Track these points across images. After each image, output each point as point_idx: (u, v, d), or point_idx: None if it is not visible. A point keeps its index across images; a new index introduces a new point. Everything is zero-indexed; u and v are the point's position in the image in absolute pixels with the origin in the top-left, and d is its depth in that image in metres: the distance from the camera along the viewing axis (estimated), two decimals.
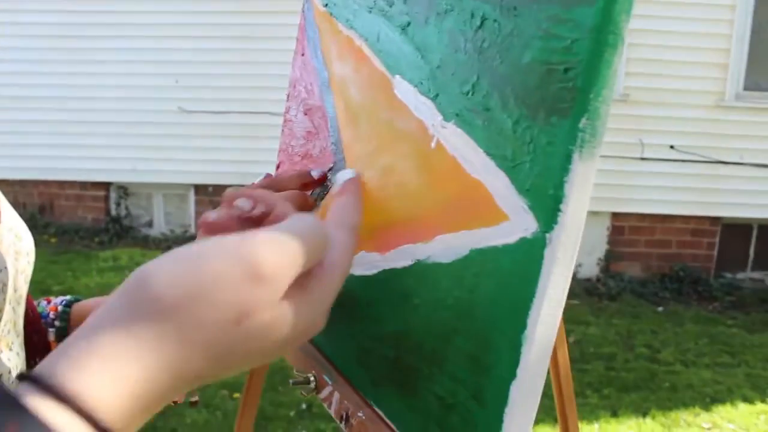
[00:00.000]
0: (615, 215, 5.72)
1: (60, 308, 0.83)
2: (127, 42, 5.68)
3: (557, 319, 0.44)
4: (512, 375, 0.44)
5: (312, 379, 0.66)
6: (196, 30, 5.63)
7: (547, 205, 0.42)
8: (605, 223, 5.75)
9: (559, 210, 0.42)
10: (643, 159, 5.50)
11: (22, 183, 6.10)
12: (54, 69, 5.76)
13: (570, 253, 0.43)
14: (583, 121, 0.41)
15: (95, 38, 5.71)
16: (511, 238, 0.45)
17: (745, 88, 5.46)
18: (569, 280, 0.43)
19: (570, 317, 4.78)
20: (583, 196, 0.42)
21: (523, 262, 0.44)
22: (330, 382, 0.63)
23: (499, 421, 0.45)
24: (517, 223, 0.45)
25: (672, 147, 5.46)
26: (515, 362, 0.44)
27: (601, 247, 5.77)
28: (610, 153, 5.44)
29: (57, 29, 5.72)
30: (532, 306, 0.43)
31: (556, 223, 0.42)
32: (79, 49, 5.73)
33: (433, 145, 0.53)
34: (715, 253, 5.78)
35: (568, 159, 0.41)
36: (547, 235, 0.42)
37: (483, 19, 0.49)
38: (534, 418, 0.46)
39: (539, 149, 0.43)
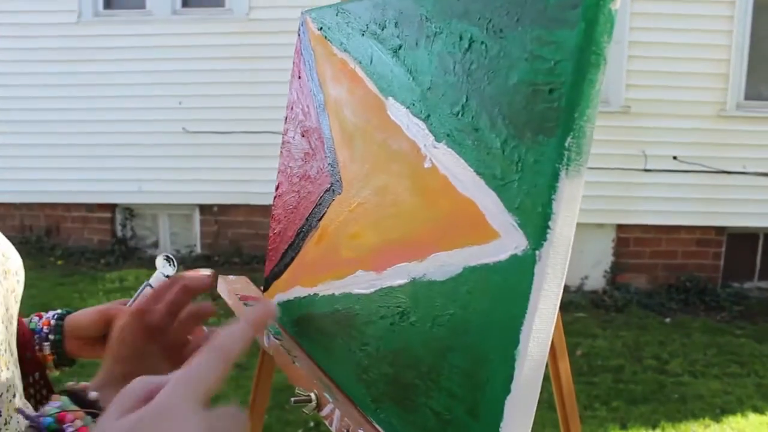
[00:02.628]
0: (620, 227, 5.71)
1: (53, 322, 0.85)
2: (131, 65, 5.73)
3: (549, 334, 0.45)
4: (506, 390, 0.45)
5: (313, 397, 0.66)
6: (200, 51, 5.69)
7: (536, 223, 0.43)
8: (610, 235, 5.75)
9: (548, 227, 0.43)
10: (646, 170, 5.50)
11: (29, 206, 6.14)
12: (58, 93, 5.82)
13: (560, 269, 0.44)
14: (569, 139, 0.42)
15: (99, 62, 5.76)
16: (503, 256, 0.46)
17: (746, 98, 5.47)
18: (560, 295, 0.44)
19: (577, 330, 4.76)
20: (571, 212, 0.43)
21: (515, 279, 0.45)
22: (331, 400, 0.64)
23: None
24: (507, 240, 0.45)
25: (675, 158, 5.46)
26: (509, 377, 0.45)
27: (606, 260, 5.76)
28: (613, 165, 5.45)
29: (61, 53, 5.78)
30: (524, 322, 0.44)
31: (545, 239, 0.43)
32: (84, 73, 5.78)
33: (426, 165, 0.54)
34: (722, 262, 5.76)
35: (555, 177, 0.42)
36: (537, 251, 0.43)
37: (471, 42, 0.50)
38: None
39: (527, 168, 0.44)
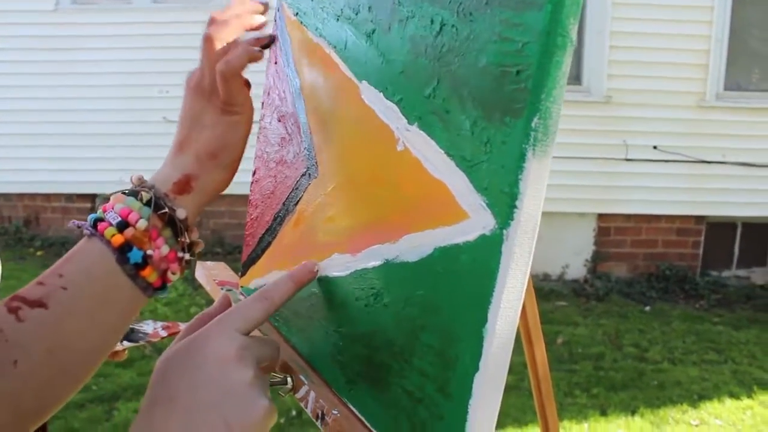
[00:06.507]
0: (601, 216, 5.76)
1: None
2: (110, 53, 5.67)
3: (517, 312, 0.46)
4: (475, 368, 0.46)
5: (289, 379, 0.67)
6: (180, 40, 5.63)
7: (504, 203, 0.44)
8: (591, 225, 5.80)
9: (515, 207, 0.44)
10: (627, 160, 5.55)
11: (6, 196, 6.07)
12: (37, 81, 5.75)
13: (527, 248, 0.44)
14: (535, 120, 0.43)
15: (78, 50, 5.70)
16: (471, 236, 0.46)
17: (726, 88, 5.53)
18: (527, 274, 0.45)
19: (558, 318, 4.81)
20: (538, 192, 0.44)
21: (483, 259, 0.45)
22: (306, 382, 0.64)
23: (464, 412, 0.47)
24: (476, 220, 0.46)
25: (655, 147, 5.51)
26: (477, 355, 0.46)
27: (587, 249, 5.81)
28: (594, 155, 5.48)
29: (39, 42, 5.71)
30: (492, 300, 0.45)
31: (512, 219, 0.44)
32: (63, 62, 5.72)
33: (399, 147, 0.55)
34: (701, 251, 5.84)
35: (522, 157, 0.43)
36: (505, 231, 0.44)
37: (442, 25, 0.51)
38: (498, 409, 0.47)
39: (495, 149, 0.45)
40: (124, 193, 0.59)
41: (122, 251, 0.56)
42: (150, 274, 0.58)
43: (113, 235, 0.56)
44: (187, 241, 0.60)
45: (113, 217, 0.57)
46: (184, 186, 0.61)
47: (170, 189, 0.60)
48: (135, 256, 0.56)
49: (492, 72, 0.46)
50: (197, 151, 0.63)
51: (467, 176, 0.47)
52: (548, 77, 0.42)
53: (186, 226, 0.60)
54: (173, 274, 0.60)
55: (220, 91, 0.63)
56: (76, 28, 5.71)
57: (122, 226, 0.56)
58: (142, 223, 0.57)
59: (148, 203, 0.58)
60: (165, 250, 0.58)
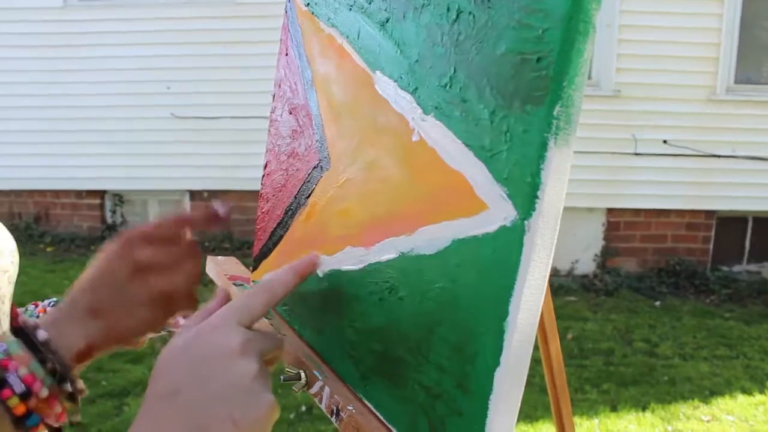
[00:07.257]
0: (610, 211, 5.73)
1: (50, 309, 0.83)
2: (119, 50, 5.68)
3: (539, 305, 0.44)
4: (496, 362, 0.45)
5: (303, 375, 0.66)
6: (187, 36, 5.64)
7: (525, 193, 0.43)
8: (600, 219, 5.77)
9: (536, 197, 0.42)
10: (636, 154, 5.52)
11: (17, 193, 6.10)
12: (45, 78, 5.76)
13: (549, 239, 0.43)
14: (557, 108, 0.41)
15: (86, 47, 5.71)
16: (491, 227, 0.45)
17: (736, 82, 5.49)
18: (549, 266, 0.44)
19: (568, 313, 4.79)
20: (560, 182, 0.43)
21: (504, 250, 0.44)
22: (320, 377, 0.63)
23: (484, 408, 0.46)
24: (496, 211, 0.45)
25: (665, 142, 5.48)
26: (498, 350, 0.45)
27: (597, 243, 5.78)
28: (603, 149, 5.45)
29: (48, 38, 5.72)
30: (513, 293, 0.44)
31: (534, 210, 0.43)
32: (71, 58, 5.73)
33: (414, 138, 0.54)
34: (711, 246, 5.80)
35: (543, 147, 0.42)
36: (526, 222, 0.43)
37: (458, 12, 0.50)
38: (519, 405, 0.46)
39: (515, 138, 0.44)
40: (32, 341, 0.57)
41: (21, 419, 0.55)
42: (43, 429, 0.58)
43: (16, 405, 0.54)
44: (79, 401, 0.60)
45: (16, 384, 0.55)
46: (84, 357, 0.59)
47: (72, 358, 0.59)
48: (33, 421, 0.56)
49: (511, 59, 0.44)
50: (110, 329, 0.60)
51: (486, 166, 0.46)
52: (570, 64, 0.41)
53: (81, 391, 0.60)
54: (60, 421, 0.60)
55: (176, 301, 0.63)
56: (85, 24, 5.72)
57: (25, 395, 0.55)
58: (44, 392, 0.56)
59: (52, 372, 0.56)
60: (58, 410, 0.58)
